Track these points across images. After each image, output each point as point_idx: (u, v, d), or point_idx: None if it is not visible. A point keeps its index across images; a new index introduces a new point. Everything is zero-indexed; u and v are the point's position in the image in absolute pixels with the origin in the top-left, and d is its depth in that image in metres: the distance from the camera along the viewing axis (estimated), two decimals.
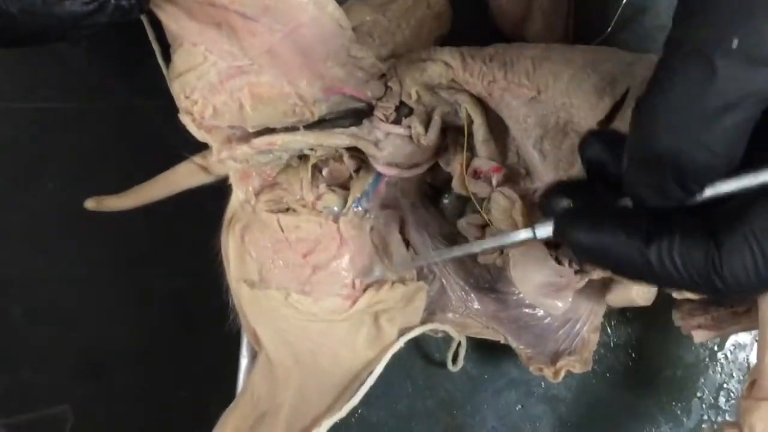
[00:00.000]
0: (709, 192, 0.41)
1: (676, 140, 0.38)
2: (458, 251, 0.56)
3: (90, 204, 0.61)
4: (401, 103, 0.58)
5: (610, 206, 0.46)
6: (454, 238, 0.66)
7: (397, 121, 0.58)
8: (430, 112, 0.58)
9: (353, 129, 0.58)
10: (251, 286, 0.60)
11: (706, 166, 0.39)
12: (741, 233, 0.39)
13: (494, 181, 0.58)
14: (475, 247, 0.56)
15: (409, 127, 0.58)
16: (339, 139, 0.58)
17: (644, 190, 0.41)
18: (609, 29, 0.67)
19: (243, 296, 0.60)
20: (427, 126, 0.58)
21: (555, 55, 0.56)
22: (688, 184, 0.40)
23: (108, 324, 0.77)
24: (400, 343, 0.62)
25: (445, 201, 0.66)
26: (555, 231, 0.47)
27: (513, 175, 0.58)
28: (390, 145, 0.58)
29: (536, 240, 0.50)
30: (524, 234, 0.50)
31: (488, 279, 0.67)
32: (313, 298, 0.60)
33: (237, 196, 0.60)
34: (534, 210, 0.57)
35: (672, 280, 0.41)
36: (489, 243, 0.54)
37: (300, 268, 0.61)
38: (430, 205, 0.66)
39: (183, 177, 0.60)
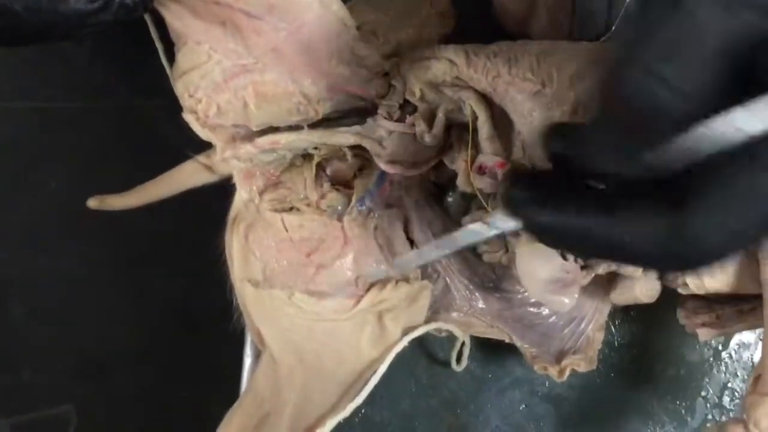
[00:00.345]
0: (674, 154, 0.38)
1: (639, 78, 0.35)
2: (429, 254, 0.56)
3: (92, 203, 0.61)
4: (405, 101, 0.57)
5: (570, 186, 0.42)
6: None
7: (400, 119, 0.58)
8: (434, 109, 0.58)
9: (357, 127, 0.58)
10: (255, 286, 0.60)
11: (672, 106, 0.35)
12: (704, 197, 0.36)
13: (500, 176, 0.58)
14: (446, 247, 0.54)
15: (413, 124, 0.57)
16: (342, 137, 0.58)
17: (607, 153, 0.38)
18: (613, 27, 0.67)
19: (247, 296, 0.60)
20: (431, 124, 0.57)
21: (560, 50, 0.56)
22: (653, 133, 0.36)
23: (110, 323, 0.77)
24: (404, 342, 0.62)
25: (450, 199, 0.66)
26: (512, 213, 0.44)
27: (520, 170, 0.58)
28: (393, 143, 0.58)
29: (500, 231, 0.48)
30: (480, 227, 0.49)
31: (493, 278, 0.67)
32: (316, 298, 0.60)
33: (241, 196, 0.60)
34: None
35: (635, 253, 0.39)
36: (463, 241, 0.52)
37: (304, 268, 0.61)
38: (435, 204, 0.66)
39: (187, 176, 0.60)
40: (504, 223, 0.46)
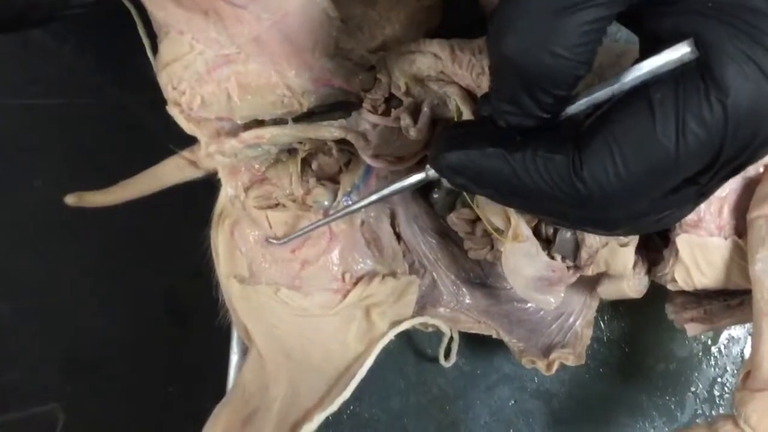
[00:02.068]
0: (571, 109, 0.41)
1: (520, 42, 0.37)
2: (363, 202, 0.55)
3: (71, 200, 0.60)
4: (390, 94, 0.57)
5: (480, 129, 0.44)
6: (445, 232, 0.66)
7: (385, 113, 0.57)
8: (419, 103, 0.57)
9: (342, 121, 0.58)
10: (241, 282, 0.60)
11: (553, 70, 0.38)
12: (601, 135, 0.38)
13: None
14: (375, 196, 0.54)
15: (398, 118, 0.57)
16: (327, 131, 0.58)
17: (504, 106, 0.40)
18: None
19: (233, 292, 0.60)
20: (416, 118, 0.57)
21: None
22: (538, 93, 0.39)
23: (96, 321, 0.77)
24: (390, 335, 0.62)
25: (435, 196, 0.65)
26: (430, 156, 0.46)
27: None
28: (378, 136, 0.58)
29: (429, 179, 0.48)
30: (418, 176, 0.49)
31: (480, 274, 0.67)
32: (303, 293, 0.60)
33: (226, 192, 0.60)
34: None
35: (536, 190, 0.40)
36: (389, 189, 0.52)
37: (289, 264, 0.61)
38: (421, 200, 0.66)
39: (171, 172, 0.60)
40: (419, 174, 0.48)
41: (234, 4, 0.50)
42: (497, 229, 0.57)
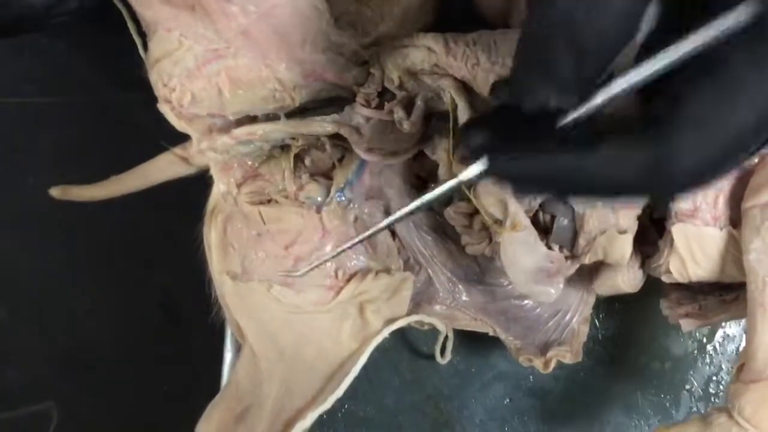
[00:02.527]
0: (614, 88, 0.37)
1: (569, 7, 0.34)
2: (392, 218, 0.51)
3: (55, 192, 0.60)
4: (383, 88, 0.57)
5: (531, 129, 0.40)
6: (441, 229, 0.65)
7: (379, 106, 0.57)
8: (412, 97, 0.57)
9: (334, 116, 0.57)
10: (234, 278, 0.60)
11: (608, 32, 0.35)
12: (683, 119, 0.36)
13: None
14: (412, 206, 0.49)
15: (392, 112, 0.57)
16: (320, 126, 0.57)
17: (534, 83, 0.37)
18: None
19: (226, 288, 0.60)
20: (409, 111, 0.57)
21: None
22: (585, 60, 0.36)
23: (90, 320, 0.77)
24: (385, 333, 0.62)
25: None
26: (487, 170, 0.41)
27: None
28: (372, 130, 0.58)
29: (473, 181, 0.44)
30: (455, 180, 0.45)
31: (476, 271, 0.67)
32: (295, 290, 0.61)
33: (218, 188, 0.60)
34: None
35: (617, 186, 0.38)
36: (427, 197, 0.48)
37: (282, 260, 0.61)
38: (417, 195, 0.65)
39: (163, 168, 0.60)
40: (469, 172, 0.43)
41: None
42: (496, 221, 0.57)
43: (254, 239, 0.60)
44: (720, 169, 0.37)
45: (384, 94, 0.57)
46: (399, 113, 0.57)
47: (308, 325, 0.61)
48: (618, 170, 0.37)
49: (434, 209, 0.65)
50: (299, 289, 0.61)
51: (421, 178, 0.66)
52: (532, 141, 0.39)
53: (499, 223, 0.57)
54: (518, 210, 0.55)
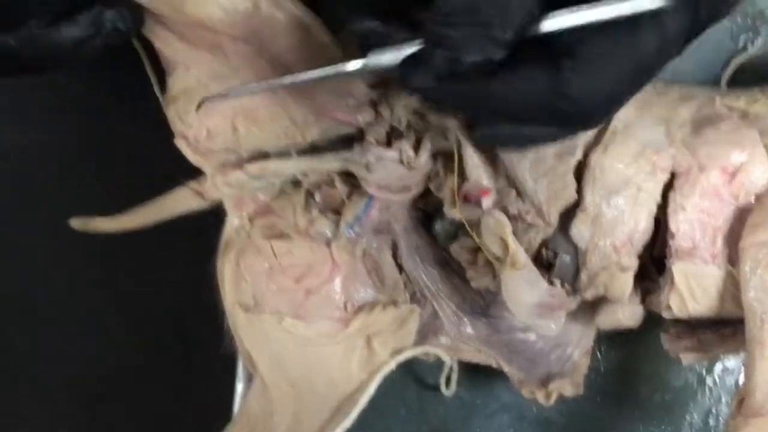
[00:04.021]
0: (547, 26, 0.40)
1: None
2: (285, 80, 0.51)
3: (76, 224, 0.62)
4: (392, 127, 0.59)
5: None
6: (447, 263, 0.67)
7: (388, 145, 0.59)
8: (420, 136, 0.59)
9: (345, 153, 0.59)
10: (246, 310, 0.61)
11: None
12: (584, 53, 0.39)
13: (484, 205, 0.59)
14: (302, 77, 0.50)
15: (401, 151, 0.59)
16: (330, 163, 0.59)
17: (463, 40, 0.39)
18: None
19: (238, 320, 0.61)
20: (417, 150, 0.59)
21: None
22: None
23: (102, 349, 0.77)
24: (392, 364, 0.63)
25: (438, 226, 0.66)
26: (401, 78, 0.43)
27: (505, 198, 0.59)
28: (381, 168, 0.59)
29: (369, 71, 0.46)
30: (353, 65, 0.46)
31: (481, 303, 0.67)
32: (306, 322, 0.61)
33: (232, 222, 0.61)
34: (525, 230, 0.58)
35: (523, 107, 0.41)
36: (317, 73, 0.49)
37: (293, 293, 0.62)
38: (423, 230, 0.67)
39: (178, 202, 0.61)
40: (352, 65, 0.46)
41: (236, 40, 0.52)
42: (497, 258, 0.58)
43: (266, 272, 0.61)
44: (616, 97, 0.41)
45: (392, 132, 0.59)
46: (408, 152, 0.58)
47: (318, 357, 0.62)
48: (524, 90, 0.40)
49: (441, 244, 0.67)
50: (310, 321, 0.62)
51: (427, 213, 0.67)
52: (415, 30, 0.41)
53: (500, 260, 0.58)
54: (518, 248, 0.57)
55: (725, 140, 0.56)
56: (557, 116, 0.41)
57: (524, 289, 0.58)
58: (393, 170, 0.60)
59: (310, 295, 0.62)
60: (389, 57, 0.44)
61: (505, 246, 0.57)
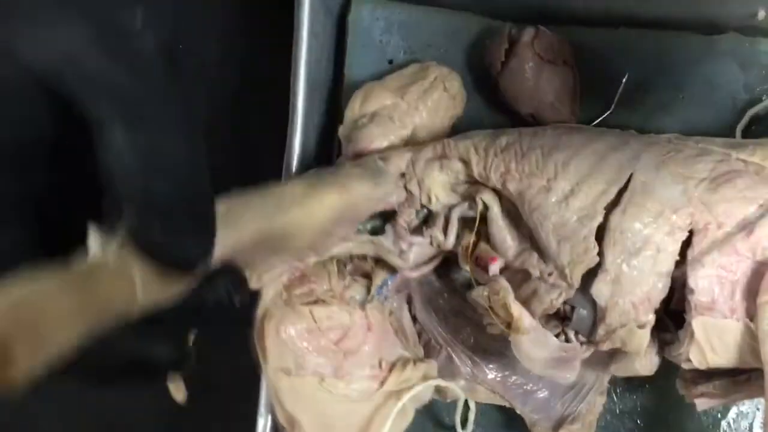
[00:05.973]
0: None
1: None
2: None
3: None
4: (421, 205, 0.63)
5: None
6: (462, 312, 0.69)
7: (418, 230, 0.63)
8: (448, 214, 0.62)
9: (379, 238, 0.63)
10: (288, 374, 0.63)
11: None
12: None
13: (491, 271, 0.61)
14: None
15: (431, 236, 0.62)
16: (365, 248, 0.64)
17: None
18: (612, 107, 0.70)
19: (281, 384, 0.63)
20: (446, 230, 0.62)
21: (563, 143, 0.60)
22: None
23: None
24: (404, 399, 0.65)
25: (456, 273, 0.68)
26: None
27: (527, 260, 0.61)
28: (413, 253, 0.64)
29: None
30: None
31: (497, 346, 0.68)
32: (345, 382, 0.64)
33: (267, 295, 0.63)
34: (548, 290, 0.60)
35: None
36: None
37: (333, 354, 0.64)
38: (437, 279, 0.69)
39: None
40: None
41: None
42: (503, 322, 0.59)
43: (307, 336, 0.63)
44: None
45: (421, 211, 0.63)
46: (438, 237, 0.62)
47: (358, 414, 0.64)
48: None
49: (460, 291, 0.68)
50: (349, 381, 0.64)
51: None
52: None
53: (506, 324, 0.60)
54: (522, 314, 0.58)
55: (741, 197, 0.57)
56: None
57: (534, 349, 0.60)
58: (424, 252, 0.64)
59: (349, 356, 0.64)
60: None
61: (508, 312, 0.59)
